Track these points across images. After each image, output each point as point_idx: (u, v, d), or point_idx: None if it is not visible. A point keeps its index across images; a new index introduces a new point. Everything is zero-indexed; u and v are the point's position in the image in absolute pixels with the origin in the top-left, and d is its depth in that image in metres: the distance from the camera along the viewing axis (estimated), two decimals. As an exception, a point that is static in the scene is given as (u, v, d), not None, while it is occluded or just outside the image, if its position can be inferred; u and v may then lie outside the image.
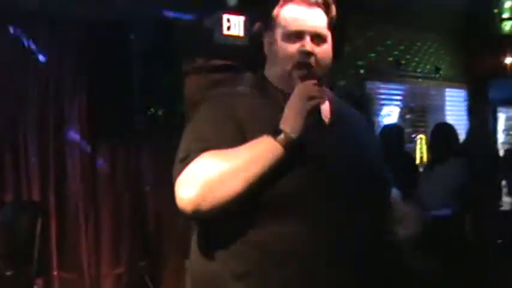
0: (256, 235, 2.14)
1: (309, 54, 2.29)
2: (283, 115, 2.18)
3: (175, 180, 2.22)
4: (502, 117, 10.17)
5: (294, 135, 2.14)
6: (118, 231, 5.88)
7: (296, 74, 2.29)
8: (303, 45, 2.29)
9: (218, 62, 6.58)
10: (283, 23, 2.36)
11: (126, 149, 5.86)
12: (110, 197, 5.83)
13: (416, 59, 8.84)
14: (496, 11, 9.11)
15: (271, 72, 2.41)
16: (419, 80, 8.93)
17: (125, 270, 5.84)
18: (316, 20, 2.36)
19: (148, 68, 5.25)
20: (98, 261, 5.78)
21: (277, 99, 2.30)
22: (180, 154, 2.25)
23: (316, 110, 2.22)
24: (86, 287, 5.65)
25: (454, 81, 9.45)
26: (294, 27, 2.32)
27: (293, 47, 2.30)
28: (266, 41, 2.45)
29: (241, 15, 6.52)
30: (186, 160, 2.18)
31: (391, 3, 7.69)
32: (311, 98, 2.18)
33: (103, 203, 5.80)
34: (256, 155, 2.13)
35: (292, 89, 2.23)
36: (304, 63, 2.29)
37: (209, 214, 2.13)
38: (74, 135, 5.60)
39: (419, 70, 8.85)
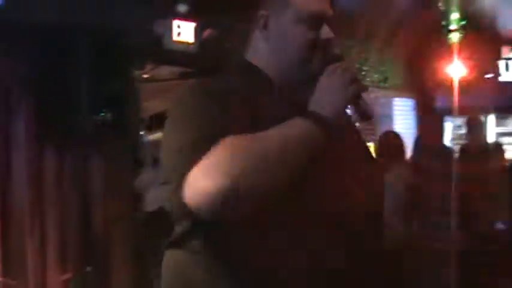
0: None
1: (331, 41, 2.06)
2: (315, 98, 1.94)
3: (180, 175, 1.78)
4: (449, 127, 10.31)
5: (335, 121, 1.90)
6: (65, 236, 5.83)
7: (317, 60, 2.05)
8: (328, 32, 2.07)
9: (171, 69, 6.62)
10: (298, 3, 2.05)
11: (74, 152, 5.81)
12: (57, 202, 5.77)
13: (366, 68, 8.92)
14: (443, 23, 9.24)
15: (274, 59, 2.10)
16: (368, 88, 9.01)
17: (71, 276, 5.79)
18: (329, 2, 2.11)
19: (98, 73, 5.21)
20: (44, 266, 5.71)
21: (272, 91, 2.06)
22: (180, 143, 1.86)
23: (359, 97, 2.02)
24: (31, 293, 5.58)
25: (402, 91, 9.57)
26: (315, 8, 2.06)
27: (312, 33, 2.05)
28: (262, 23, 2.11)
29: (192, 21, 6.54)
30: (197, 148, 1.79)
31: (341, 14, 7.75)
32: (353, 81, 2.00)
33: (50, 208, 5.74)
34: (294, 140, 1.83)
35: (308, 76, 2.01)
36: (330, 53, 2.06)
37: (236, 210, 1.77)
38: (20, 138, 5.53)
39: (368, 79, 8.93)
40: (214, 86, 2.03)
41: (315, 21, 2.05)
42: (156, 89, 7.89)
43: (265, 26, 2.11)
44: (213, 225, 1.84)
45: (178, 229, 2.02)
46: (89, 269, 5.61)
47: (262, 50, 2.14)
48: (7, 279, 5.49)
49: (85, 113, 5.20)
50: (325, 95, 1.95)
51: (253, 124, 1.87)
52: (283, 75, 2.08)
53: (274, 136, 1.81)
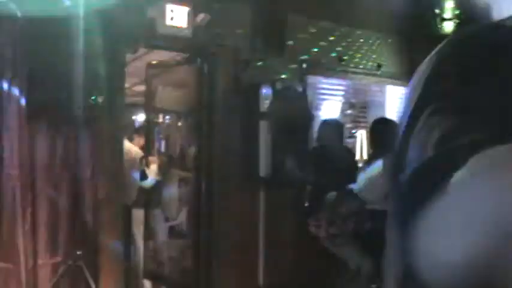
0: None
1: None
2: None
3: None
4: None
5: None
6: (55, 220, 5.83)
7: None
8: None
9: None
10: None
11: (65, 137, 5.82)
12: (47, 185, 5.78)
13: (359, 55, 8.93)
14: (437, 11, 9.25)
15: None
16: (361, 75, 9.04)
17: (62, 259, 5.80)
18: None
19: (89, 56, 5.21)
20: (34, 250, 5.72)
21: None
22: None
23: None
24: (21, 276, 5.58)
25: (395, 79, 9.58)
26: None
27: None
28: None
29: (185, 5, 6.53)
30: None
31: (335, 0, 7.78)
32: None
33: (40, 192, 5.74)
34: None
35: None
36: None
37: None
38: (12, 121, 5.53)
39: (361, 66, 8.95)
40: None
41: None
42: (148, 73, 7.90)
43: None
44: None
45: None
46: (79, 252, 5.60)
47: None
48: (-2, 262, 5.51)
49: (76, 96, 5.19)
50: None
51: None
52: None
53: None
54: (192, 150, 7.54)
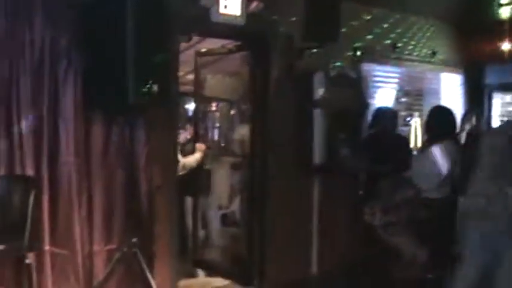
0: None
1: None
2: None
3: None
4: (497, 103, 10.16)
5: None
6: (111, 207, 5.87)
7: None
8: None
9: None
10: None
11: (120, 124, 5.85)
12: (103, 173, 5.82)
13: (413, 42, 8.83)
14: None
15: None
16: (416, 63, 8.93)
17: (117, 246, 5.84)
18: None
19: (143, 44, 5.22)
20: (90, 237, 5.77)
21: None
22: None
23: None
24: (78, 262, 5.63)
25: (450, 66, 9.46)
26: None
27: None
28: None
29: (238, -6, 6.52)
30: None
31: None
32: None
33: (96, 179, 5.79)
34: None
35: None
36: None
37: None
38: (68, 110, 5.58)
39: (415, 53, 8.85)
40: None
41: None
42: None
43: None
44: None
45: None
46: (134, 239, 5.64)
47: None
48: (55, 248, 5.57)
49: (131, 85, 5.20)
50: None
51: None
52: None
53: None
54: (245, 138, 7.54)
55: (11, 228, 5.03)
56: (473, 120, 8.75)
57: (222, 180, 7.98)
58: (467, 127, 8.81)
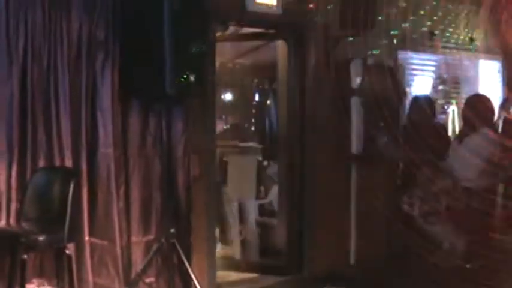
0: None
1: None
2: None
3: None
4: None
5: None
6: (148, 198, 5.90)
7: None
8: None
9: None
10: None
11: (157, 115, 5.86)
12: (140, 163, 5.84)
13: (450, 29, 8.72)
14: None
15: None
16: (453, 50, 8.83)
17: (155, 237, 5.86)
18: None
19: (180, 34, 5.22)
20: (128, 227, 5.80)
21: None
22: None
23: None
24: (116, 253, 5.67)
25: (488, 52, 9.34)
26: None
27: None
28: None
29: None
30: None
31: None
32: None
33: (134, 169, 5.81)
34: None
35: None
36: None
37: None
38: (106, 101, 5.60)
39: (452, 41, 8.74)
40: None
41: None
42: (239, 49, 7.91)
43: None
44: None
45: None
46: (172, 230, 5.65)
47: None
48: (94, 239, 5.60)
49: (168, 76, 5.21)
50: None
51: None
52: None
53: None
54: (282, 127, 7.53)
55: (51, 220, 5.07)
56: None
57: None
58: (505, 114, 8.73)
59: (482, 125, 6.51)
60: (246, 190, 7.82)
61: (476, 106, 6.80)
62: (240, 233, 7.63)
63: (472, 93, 7.72)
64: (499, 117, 8.45)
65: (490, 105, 6.75)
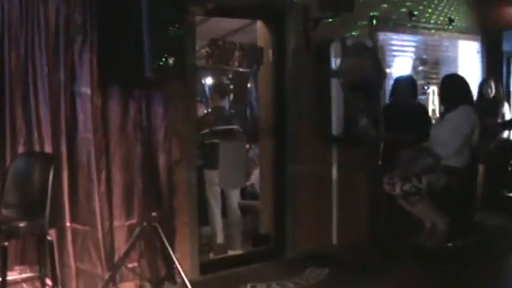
0: None
1: None
2: None
3: None
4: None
5: None
6: (130, 182, 5.88)
7: None
8: None
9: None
10: None
11: (137, 99, 5.83)
12: (121, 148, 5.82)
13: (430, 10, 8.74)
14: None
15: None
16: (433, 31, 8.84)
17: (137, 221, 5.85)
18: None
19: (158, 17, 5.18)
20: (110, 212, 5.78)
21: None
22: None
23: None
24: (99, 238, 5.65)
25: (467, 33, 9.36)
26: None
27: None
28: None
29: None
30: None
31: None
32: None
33: (115, 154, 5.79)
34: None
35: None
36: None
37: None
38: (85, 86, 5.57)
39: (432, 21, 8.76)
40: None
41: None
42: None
43: None
44: None
45: None
46: (154, 214, 5.64)
47: None
48: (76, 225, 5.59)
49: (147, 59, 5.17)
50: None
51: None
52: None
53: None
54: (263, 111, 7.52)
55: (31, 206, 5.03)
56: (492, 87, 8.72)
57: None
58: (486, 94, 8.79)
59: (460, 104, 6.57)
60: (236, 177, 7.79)
61: (450, 86, 6.86)
62: (223, 216, 7.63)
63: (448, 73, 7.77)
64: (480, 96, 8.52)
65: (464, 85, 6.81)
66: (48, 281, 5.30)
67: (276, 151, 7.24)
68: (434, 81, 9.00)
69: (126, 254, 5.69)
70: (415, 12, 8.39)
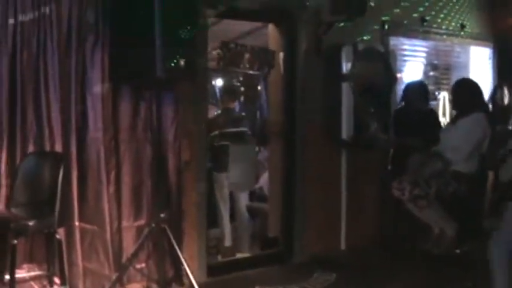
0: None
1: None
2: None
3: None
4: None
5: None
6: (139, 183, 5.89)
7: None
8: None
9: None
10: None
11: (148, 100, 5.84)
12: (131, 148, 5.83)
13: (442, 15, 8.72)
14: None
15: None
16: (444, 36, 8.83)
17: (145, 222, 5.85)
18: None
19: (170, 17, 5.18)
20: (119, 212, 5.79)
21: None
22: None
23: None
24: (107, 238, 5.66)
25: (479, 39, 9.34)
26: None
27: None
28: None
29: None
30: None
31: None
32: None
33: (124, 154, 5.79)
34: None
35: None
36: None
37: None
38: (96, 85, 5.57)
39: (444, 27, 8.74)
40: None
41: None
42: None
43: None
44: None
45: None
46: (163, 215, 5.64)
47: None
48: (85, 224, 5.59)
49: (159, 59, 5.17)
50: None
51: None
52: None
53: None
54: (272, 114, 7.52)
55: (41, 204, 5.06)
56: (504, 93, 8.68)
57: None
58: (498, 101, 8.75)
59: (472, 110, 6.53)
60: (246, 180, 7.78)
61: (462, 91, 6.82)
62: (231, 218, 7.63)
63: (460, 78, 7.73)
64: (491, 103, 8.49)
65: (476, 90, 6.77)
66: (56, 280, 5.32)
67: (286, 154, 7.23)
68: (445, 87, 8.98)
69: (134, 255, 5.69)
70: (427, 18, 8.38)
